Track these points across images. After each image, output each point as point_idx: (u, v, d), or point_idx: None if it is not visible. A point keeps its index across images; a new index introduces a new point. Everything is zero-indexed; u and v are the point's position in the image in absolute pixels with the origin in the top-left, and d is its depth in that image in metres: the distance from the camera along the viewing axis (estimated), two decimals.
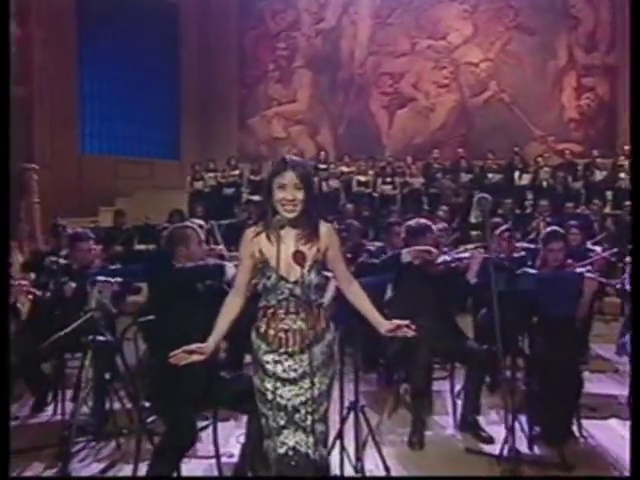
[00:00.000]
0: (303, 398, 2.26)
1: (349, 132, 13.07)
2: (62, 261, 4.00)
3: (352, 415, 3.05)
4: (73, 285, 3.66)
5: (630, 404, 2.75)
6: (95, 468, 3.26)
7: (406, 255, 3.68)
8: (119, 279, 3.27)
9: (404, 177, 11.19)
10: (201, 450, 3.37)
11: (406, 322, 2.29)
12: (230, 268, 2.92)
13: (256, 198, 8.42)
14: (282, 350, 2.26)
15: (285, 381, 2.26)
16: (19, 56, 10.94)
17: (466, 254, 3.82)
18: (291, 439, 2.27)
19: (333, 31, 13.33)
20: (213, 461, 3.11)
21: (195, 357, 2.22)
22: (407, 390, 3.99)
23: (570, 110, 12.30)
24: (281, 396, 2.26)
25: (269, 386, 2.27)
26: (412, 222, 3.95)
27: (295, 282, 2.24)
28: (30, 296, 4.18)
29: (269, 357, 2.28)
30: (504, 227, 4.94)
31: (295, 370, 2.26)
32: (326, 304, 2.48)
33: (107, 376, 3.71)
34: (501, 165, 11.11)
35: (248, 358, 3.47)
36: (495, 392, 4.24)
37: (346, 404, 3.06)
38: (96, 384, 3.62)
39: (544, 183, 10.48)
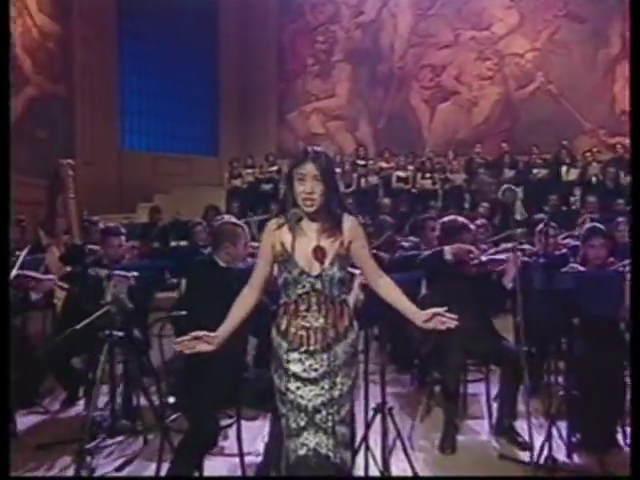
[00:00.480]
0: (324, 399, 2.21)
1: (389, 127, 12.95)
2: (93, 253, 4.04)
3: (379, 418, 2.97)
4: (102, 274, 3.66)
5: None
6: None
7: (449, 253, 3.59)
8: (135, 273, 3.28)
9: (445, 173, 11.01)
10: (228, 448, 3.38)
11: (443, 309, 2.18)
12: None
13: None
14: (303, 349, 2.22)
15: (306, 381, 2.22)
16: (60, 54, 11.24)
17: (502, 256, 3.74)
18: (311, 440, 2.22)
19: (373, 24, 13.21)
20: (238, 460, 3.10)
21: (202, 346, 2.19)
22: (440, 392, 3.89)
23: (622, 101, 11.82)
24: (301, 396, 2.22)
25: (289, 386, 2.23)
26: (447, 219, 3.87)
27: (317, 276, 2.20)
28: (62, 291, 4.29)
29: (289, 356, 2.24)
30: (545, 223, 4.76)
31: (316, 370, 2.22)
32: (351, 303, 2.42)
33: (134, 372, 3.75)
34: (547, 160, 10.80)
35: None
36: (534, 396, 4.10)
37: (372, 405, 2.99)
38: (125, 380, 3.67)
39: (593, 179, 10.13)
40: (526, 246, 4.87)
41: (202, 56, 13.08)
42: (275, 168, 11.36)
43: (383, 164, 11.32)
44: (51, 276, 3.80)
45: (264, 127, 13.32)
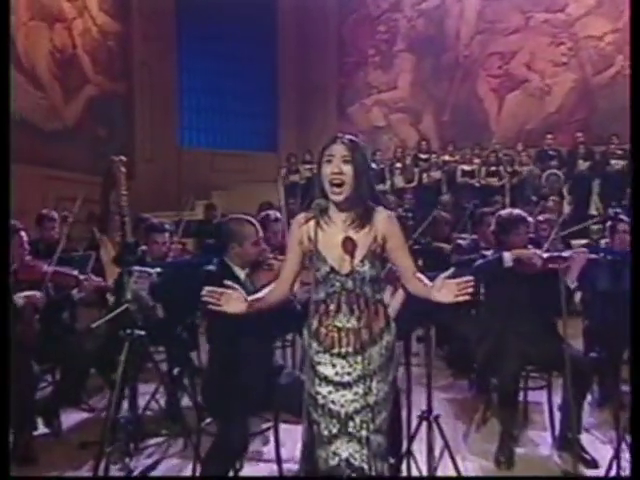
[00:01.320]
0: (358, 405, 2.14)
1: (454, 119, 12.67)
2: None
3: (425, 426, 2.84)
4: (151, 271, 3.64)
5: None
6: (161, 465, 3.29)
7: (509, 260, 3.43)
8: (158, 269, 3.27)
9: (513, 165, 10.68)
10: (267, 454, 3.33)
11: (460, 280, 2.05)
12: None
13: None
14: (335, 350, 2.15)
15: (338, 385, 2.15)
16: (120, 53, 11.58)
17: (566, 253, 3.53)
18: (344, 450, 2.15)
19: (437, 10, 12.95)
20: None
21: (231, 305, 2.13)
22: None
23: None
24: (333, 401, 2.15)
25: (320, 390, 2.16)
26: (503, 212, 3.71)
27: (347, 274, 2.13)
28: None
29: (321, 358, 2.17)
30: (612, 218, 4.48)
31: (349, 373, 2.14)
32: (392, 314, 2.32)
33: (175, 372, 3.76)
34: (627, 150, 10.22)
35: None
36: (602, 407, 3.86)
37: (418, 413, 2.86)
38: (168, 379, 3.68)
39: None
40: (603, 241, 4.61)
41: (261, 51, 13.19)
42: None
43: (447, 157, 11.11)
44: (91, 277, 3.84)
45: (324, 120, 13.24)
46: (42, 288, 3.49)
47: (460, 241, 5.02)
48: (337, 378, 2.14)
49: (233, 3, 12.38)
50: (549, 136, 10.92)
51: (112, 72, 11.31)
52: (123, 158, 4.61)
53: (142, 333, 2.91)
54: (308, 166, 11.38)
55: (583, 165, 10.24)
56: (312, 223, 2.13)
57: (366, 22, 13.40)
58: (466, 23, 12.81)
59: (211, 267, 2.87)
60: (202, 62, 12.57)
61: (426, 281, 2.16)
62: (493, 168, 10.60)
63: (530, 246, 3.57)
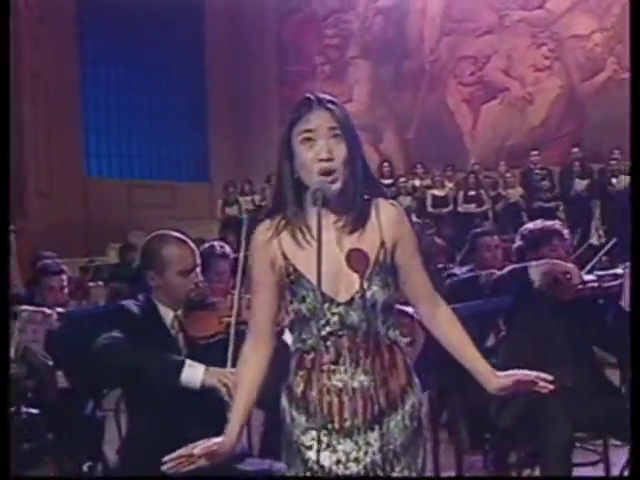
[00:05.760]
0: None
1: (421, 136, 12.79)
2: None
3: None
4: None
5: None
6: None
7: (537, 272, 3.12)
8: (60, 309, 2.82)
9: (496, 189, 10.98)
10: None
11: (537, 374, 1.86)
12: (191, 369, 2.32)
13: None
14: (334, 426, 1.78)
15: None
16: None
17: (617, 270, 3.36)
18: None
19: (396, 9, 13.09)
20: None
21: (205, 460, 1.79)
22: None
23: None
24: None
25: None
26: (531, 225, 3.52)
27: (348, 302, 1.76)
28: None
29: (311, 438, 1.78)
30: None
31: (357, 460, 1.77)
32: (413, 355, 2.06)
33: (85, 468, 3.27)
34: (629, 166, 10.34)
35: None
36: None
37: None
38: None
39: None
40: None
41: (185, 59, 13.11)
42: None
43: (416, 182, 11.36)
44: None
45: (265, 143, 12.94)
46: None
47: (455, 271, 4.76)
48: (340, 469, 1.76)
49: (151, 4, 12.17)
50: (534, 152, 11.16)
51: None
52: None
53: (34, 412, 2.34)
54: (249, 197, 11.63)
55: (580, 185, 10.43)
56: (285, 234, 1.79)
57: (311, 24, 13.56)
58: (430, 23, 13.03)
59: (131, 306, 2.49)
60: (111, 73, 12.39)
61: (477, 354, 1.88)
62: (472, 192, 10.81)
63: None
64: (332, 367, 1.77)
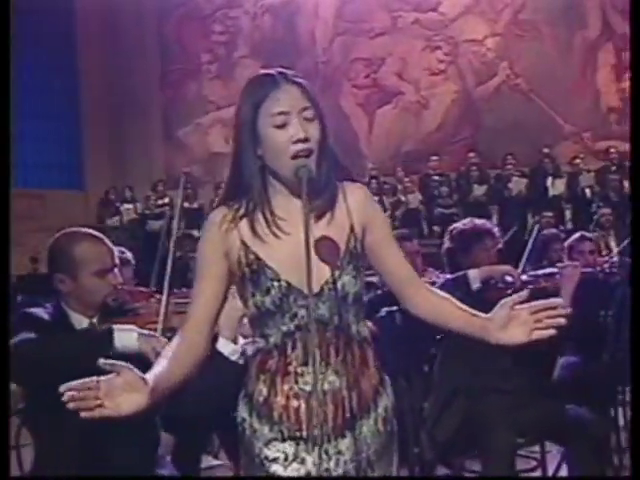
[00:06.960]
0: None
1: None
2: None
3: None
4: None
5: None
6: None
7: (476, 279, 3.17)
8: None
9: (395, 195, 11.16)
10: None
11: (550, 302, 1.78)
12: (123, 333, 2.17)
13: (196, 233, 8.19)
14: (301, 433, 1.69)
15: None
16: None
17: (551, 270, 3.48)
18: None
19: (286, 6, 13.12)
20: None
21: (122, 404, 1.53)
22: None
23: (608, 96, 12.05)
24: None
25: None
26: (459, 225, 3.52)
27: (318, 294, 1.67)
28: None
29: (276, 449, 1.69)
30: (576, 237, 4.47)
31: (328, 471, 1.67)
32: None
33: None
34: (524, 172, 10.92)
35: None
36: None
37: None
38: None
39: (587, 191, 10.29)
40: None
41: (54, 58, 12.67)
42: (166, 200, 11.37)
43: None
44: None
45: (146, 147, 13.17)
46: None
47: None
48: None
49: None
50: (434, 158, 11.43)
51: None
52: None
53: None
54: (130, 206, 11.54)
55: (479, 190, 10.72)
56: (245, 222, 1.72)
57: (196, 20, 13.46)
58: (323, 23, 13.10)
59: (40, 312, 2.28)
60: None
61: (466, 310, 1.77)
62: (375, 198, 10.85)
63: None
64: (299, 368, 1.67)
